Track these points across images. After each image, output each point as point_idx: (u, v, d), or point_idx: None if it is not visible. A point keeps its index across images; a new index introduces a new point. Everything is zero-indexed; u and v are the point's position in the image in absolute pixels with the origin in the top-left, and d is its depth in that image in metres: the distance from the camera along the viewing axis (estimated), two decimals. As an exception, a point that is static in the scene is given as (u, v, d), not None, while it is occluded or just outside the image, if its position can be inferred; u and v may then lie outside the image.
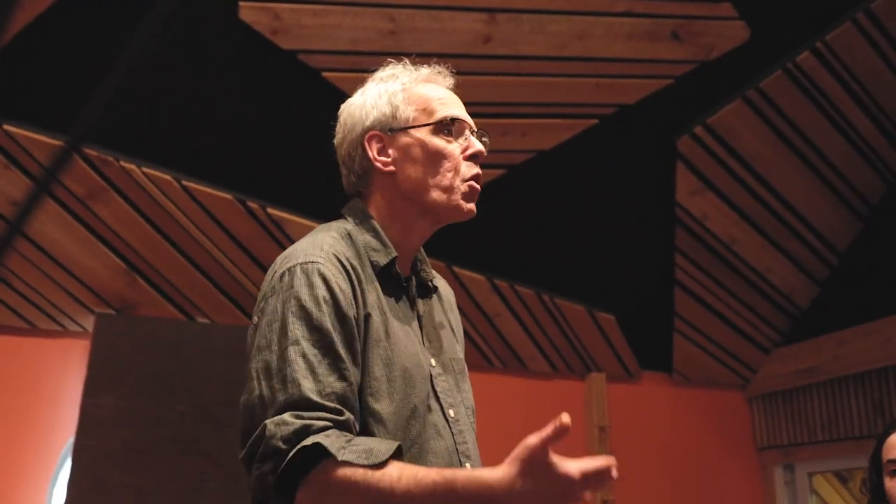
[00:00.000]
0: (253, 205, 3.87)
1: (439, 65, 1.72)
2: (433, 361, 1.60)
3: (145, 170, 3.70)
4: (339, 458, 1.29)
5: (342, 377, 1.39)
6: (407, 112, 1.62)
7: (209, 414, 3.69)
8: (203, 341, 3.82)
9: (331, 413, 1.35)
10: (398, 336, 1.52)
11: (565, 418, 1.29)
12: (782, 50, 4.02)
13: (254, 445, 1.35)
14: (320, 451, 1.29)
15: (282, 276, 1.47)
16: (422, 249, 1.70)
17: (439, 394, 1.57)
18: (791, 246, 4.61)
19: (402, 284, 1.62)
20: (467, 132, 1.65)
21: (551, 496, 1.30)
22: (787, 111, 4.18)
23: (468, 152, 1.63)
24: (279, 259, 1.53)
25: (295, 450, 1.29)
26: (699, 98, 4.12)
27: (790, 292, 4.77)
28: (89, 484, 3.51)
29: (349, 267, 1.50)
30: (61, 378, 3.90)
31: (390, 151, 1.61)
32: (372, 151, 1.62)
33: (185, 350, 3.79)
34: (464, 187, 1.62)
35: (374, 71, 1.72)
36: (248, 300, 4.02)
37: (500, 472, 1.29)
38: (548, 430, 1.29)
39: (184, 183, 3.76)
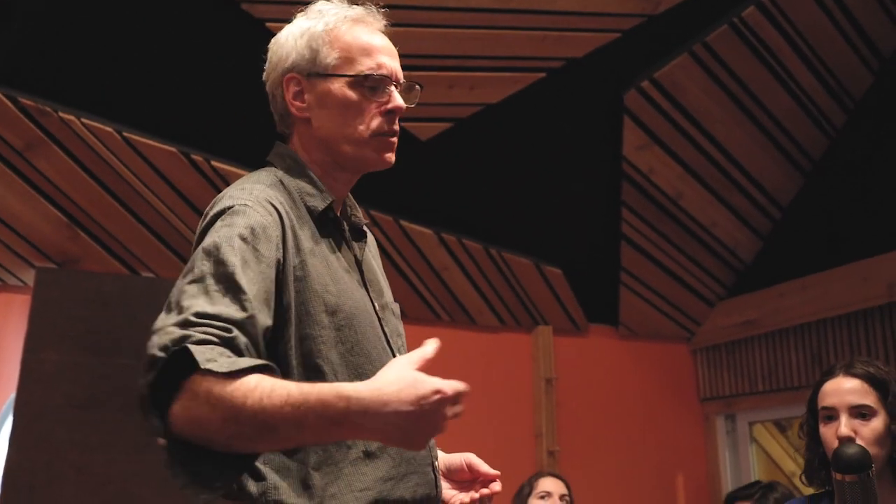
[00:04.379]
0: (197, 157, 3.82)
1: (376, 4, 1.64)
2: (377, 305, 1.57)
3: (85, 121, 3.62)
4: (202, 367, 1.19)
5: (242, 308, 1.30)
6: (329, 57, 1.55)
7: (154, 369, 3.65)
8: (147, 295, 3.77)
9: (217, 329, 1.25)
10: (343, 281, 1.50)
11: (436, 342, 1.26)
12: (728, 4, 4.04)
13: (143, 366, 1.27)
14: (190, 359, 1.21)
15: (208, 225, 1.42)
16: (349, 194, 1.66)
17: (388, 336, 1.55)
18: (735, 200, 4.67)
19: (340, 229, 1.58)
20: (390, 87, 1.57)
21: (423, 420, 1.18)
22: (733, 66, 4.21)
23: (386, 107, 1.56)
24: (207, 210, 1.48)
25: (166, 355, 1.21)
26: (646, 52, 4.13)
27: (734, 246, 4.84)
28: (32, 440, 3.47)
29: (282, 212, 1.44)
30: (1, 333, 3.84)
31: (306, 97, 1.56)
32: (288, 95, 1.57)
33: (130, 304, 3.73)
34: (374, 142, 1.56)
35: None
36: (193, 254, 3.98)
37: (365, 386, 1.19)
38: (424, 350, 1.24)
39: (125, 135, 3.69)
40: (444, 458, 1.66)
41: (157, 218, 3.89)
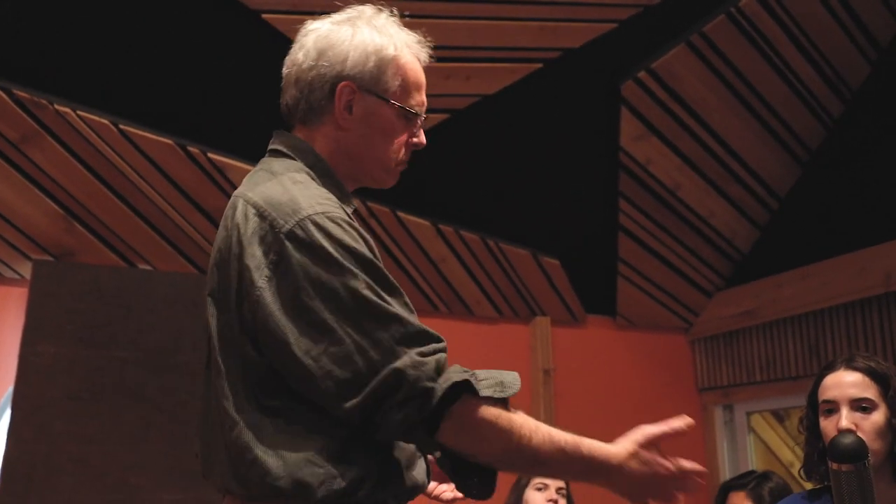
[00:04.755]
0: (193, 149, 3.81)
1: (416, 32, 1.68)
2: None
3: (81, 113, 3.61)
4: (481, 394, 1.37)
5: (411, 309, 1.42)
6: (391, 83, 1.59)
7: (151, 361, 3.66)
8: (144, 288, 3.78)
9: (440, 343, 1.40)
10: None
11: (689, 421, 1.52)
12: (725, -6, 4.04)
13: (385, 391, 1.33)
14: (463, 387, 1.36)
15: (295, 229, 1.38)
16: None
17: None
18: (733, 191, 4.66)
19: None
20: (420, 123, 1.66)
21: (651, 485, 1.48)
22: (730, 56, 4.20)
23: (414, 140, 1.65)
24: (269, 213, 1.42)
25: (445, 387, 1.34)
26: (643, 42, 4.12)
27: (732, 236, 4.84)
28: (30, 433, 3.48)
29: (348, 213, 1.49)
30: (-1, 326, 3.84)
31: (355, 109, 1.58)
32: (340, 102, 1.57)
33: (126, 297, 3.74)
34: (396, 169, 1.65)
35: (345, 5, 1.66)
36: (190, 246, 3.98)
37: (618, 448, 1.48)
38: (669, 425, 1.53)
39: (121, 127, 3.68)
40: None
41: (154, 210, 3.89)
